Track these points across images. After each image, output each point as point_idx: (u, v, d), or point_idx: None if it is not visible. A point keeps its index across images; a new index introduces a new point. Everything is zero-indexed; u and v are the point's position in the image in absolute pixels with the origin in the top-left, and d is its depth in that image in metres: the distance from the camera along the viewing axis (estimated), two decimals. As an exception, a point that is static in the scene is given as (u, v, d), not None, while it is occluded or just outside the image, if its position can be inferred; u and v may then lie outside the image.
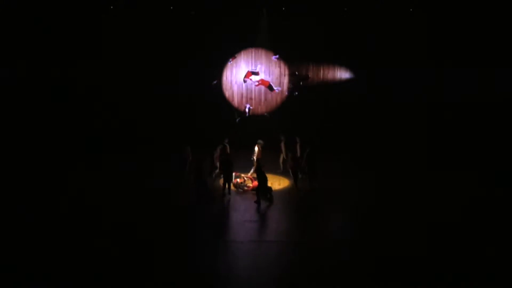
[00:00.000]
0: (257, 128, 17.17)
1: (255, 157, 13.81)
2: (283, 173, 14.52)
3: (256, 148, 13.98)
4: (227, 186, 12.70)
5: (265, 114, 18.41)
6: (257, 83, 18.37)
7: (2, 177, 13.32)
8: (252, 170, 13.81)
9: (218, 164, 13.69)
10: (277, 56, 18.21)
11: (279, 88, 18.36)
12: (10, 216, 10.70)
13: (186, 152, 13.92)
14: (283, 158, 14.77)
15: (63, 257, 8.76)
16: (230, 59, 18.36)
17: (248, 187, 13.28)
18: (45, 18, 16.62)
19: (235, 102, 18.67)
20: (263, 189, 12.14)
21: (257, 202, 11.98)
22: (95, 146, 16.48)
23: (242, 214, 11.61)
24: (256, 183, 12.66)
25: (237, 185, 13.34)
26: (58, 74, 17.05)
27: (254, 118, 18.39)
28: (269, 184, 12.40)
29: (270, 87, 18.39)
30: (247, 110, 18.48)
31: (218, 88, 18.53)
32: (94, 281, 7.95)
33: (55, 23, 16.78)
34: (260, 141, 14.11)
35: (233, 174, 13.20)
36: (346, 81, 18.19)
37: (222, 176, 13.01)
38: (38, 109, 16.85)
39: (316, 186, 13.11)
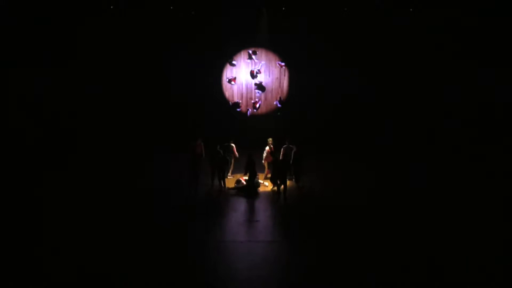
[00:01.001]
0: (259, 128, 17.30)
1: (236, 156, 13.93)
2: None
3: (234, 146, 13.95)
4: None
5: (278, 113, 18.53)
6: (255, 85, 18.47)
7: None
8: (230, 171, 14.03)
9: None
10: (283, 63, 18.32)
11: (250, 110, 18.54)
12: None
13: (198, 147, 13.32)
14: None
15: (62, 258, 8.77)
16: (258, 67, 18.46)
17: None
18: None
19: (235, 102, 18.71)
20: (274, 179, 12.72)
21: (275, 188, 12.71)
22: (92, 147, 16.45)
23: (242, 214, 11.61)
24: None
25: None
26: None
27: (258, 118, 18.44)
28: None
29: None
30: (257, 107, 18.53)
31: (218, 89, 18.61)
32: (94, 282, 7.96)
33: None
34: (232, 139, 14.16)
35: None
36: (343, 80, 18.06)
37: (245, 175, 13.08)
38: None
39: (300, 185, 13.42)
